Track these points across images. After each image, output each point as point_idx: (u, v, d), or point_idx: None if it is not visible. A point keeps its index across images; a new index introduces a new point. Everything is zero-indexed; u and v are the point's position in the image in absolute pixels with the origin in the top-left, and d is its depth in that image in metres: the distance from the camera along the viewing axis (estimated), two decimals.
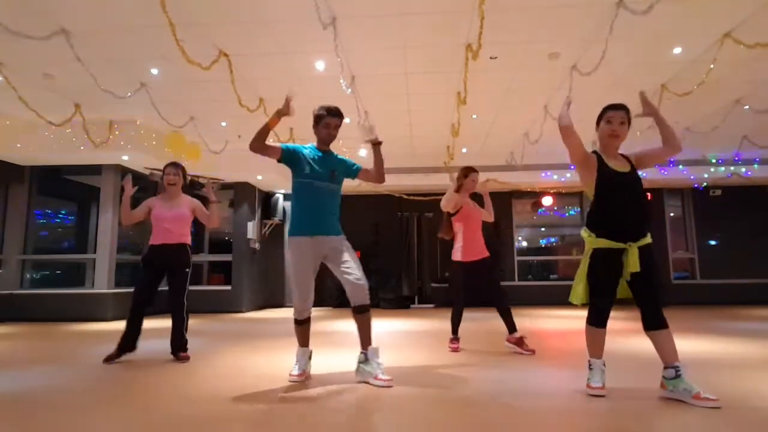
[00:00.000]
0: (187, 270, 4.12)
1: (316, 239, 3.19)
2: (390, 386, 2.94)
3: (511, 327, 4.27)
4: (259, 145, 3.12)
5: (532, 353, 4.14)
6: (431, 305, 11.16)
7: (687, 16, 4.89)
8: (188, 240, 4.21)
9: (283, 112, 3.11)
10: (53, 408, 2.65)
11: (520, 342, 4.22)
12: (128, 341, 4.01)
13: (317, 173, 3.23)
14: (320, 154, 3.33)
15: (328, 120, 3.28)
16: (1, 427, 2.34)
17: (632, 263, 2.61)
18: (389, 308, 10.71)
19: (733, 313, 8.39)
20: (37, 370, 3.76)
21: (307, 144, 3.41)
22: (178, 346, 4.06)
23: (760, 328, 6.10)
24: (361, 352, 3.15)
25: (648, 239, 2.72)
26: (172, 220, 4.09)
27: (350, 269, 3.15)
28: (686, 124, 8.01)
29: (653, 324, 2.64)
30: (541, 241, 16.39)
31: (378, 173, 3.41)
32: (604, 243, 2.71)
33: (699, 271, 11.18)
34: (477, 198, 4.53)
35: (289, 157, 3.25)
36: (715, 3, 4.67)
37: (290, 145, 3.31)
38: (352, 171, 3.42)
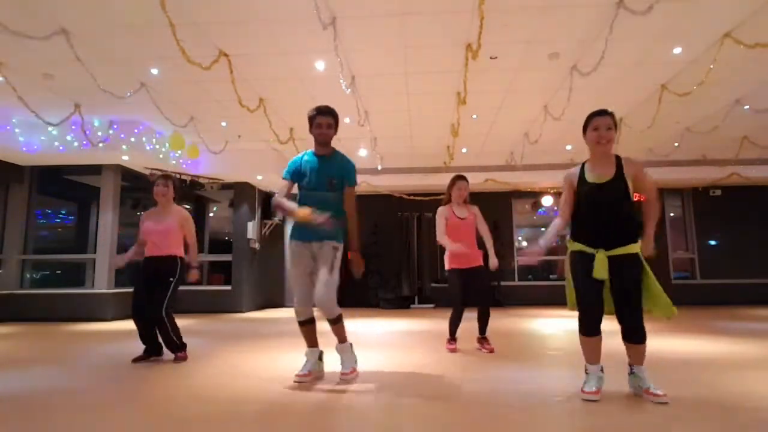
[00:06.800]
0: (171, 279, 4.01)
1: (309, 245, 3.25)
2: (349, 380, 3.20)
3: (482, 331, 4.45)
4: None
5: (490, 351, 4.32)
6: (431, 305, 11.15)
7: (687, 16, 4.89)
8: (178, 252, 4.12)
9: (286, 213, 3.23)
10: (53, 408, 2.65)
11: (480, 341, 4.48)
12: (148, 345, 4.09)
13: (312, 184, 3.27)
14: (316, 161, 3.32)
15: (319, 120, 3.28)
16: (1, 427, 2.34)
17: (596, 269, 2.63)
18: (389, 308, 10.71)
19: (733, 313, 8.39)
20: (38, 370, 3.77)
21: (307, 150, 3.41)
22: (173, 348, 4.04)
23: (760, 328, 6.10)
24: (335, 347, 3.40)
25: (628, 248, 2.64)
26: (158, 233, 4.08)
27: (318, 281, 3.16)
28: (686, 124, 8.01)
29: (631, 339, 2.68)
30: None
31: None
32: (578, 246, 2.78)
33: (699, 271, 11.19)
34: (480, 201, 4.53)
35: (296, 179, 3.34)
36: (715, 3, 4.67)
37: (291, 164, 3.35)
38: (346, 181, 3.34)
